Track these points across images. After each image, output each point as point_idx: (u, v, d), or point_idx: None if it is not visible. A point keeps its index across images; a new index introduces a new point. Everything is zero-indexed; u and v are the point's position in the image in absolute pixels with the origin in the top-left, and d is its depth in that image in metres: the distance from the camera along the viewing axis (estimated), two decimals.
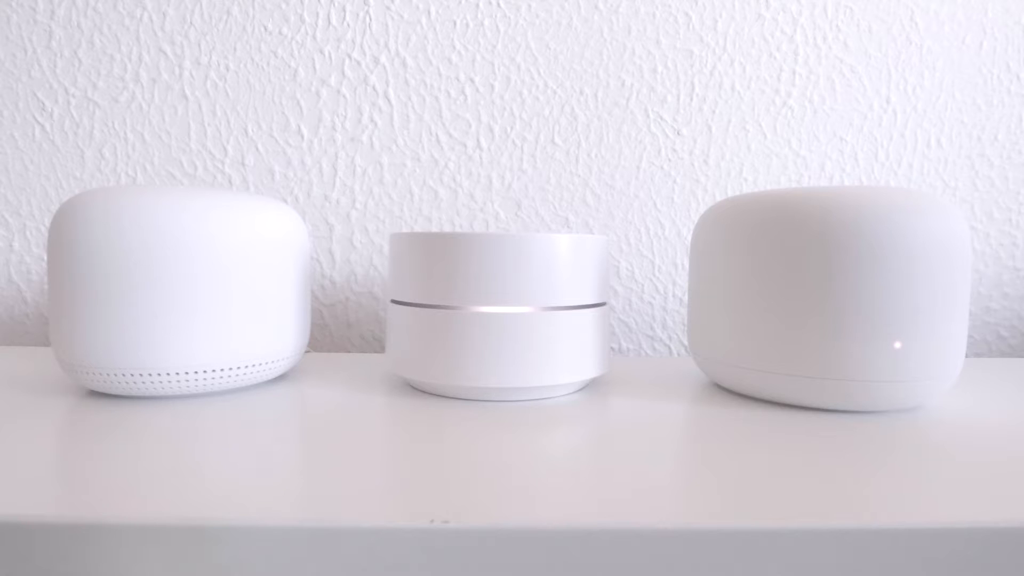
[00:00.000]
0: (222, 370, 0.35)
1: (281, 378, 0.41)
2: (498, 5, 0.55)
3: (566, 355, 0.36)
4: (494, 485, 0.24)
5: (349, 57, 0.55)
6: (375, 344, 0.57)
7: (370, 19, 0.55)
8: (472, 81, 0.56)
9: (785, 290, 0.34)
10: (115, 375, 0.33)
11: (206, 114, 0.55)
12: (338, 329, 0.57)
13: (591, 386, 0.40)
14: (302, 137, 0.56)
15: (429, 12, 0.55)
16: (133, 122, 0.55)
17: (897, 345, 0.32)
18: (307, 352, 0.50)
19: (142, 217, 0.33)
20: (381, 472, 0.26)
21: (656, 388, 0.39)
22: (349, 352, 0.57)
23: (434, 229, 0.56)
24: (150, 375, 0.33)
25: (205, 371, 0.34)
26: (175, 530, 0.20)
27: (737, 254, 0.36)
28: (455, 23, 0.56)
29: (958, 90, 0.57)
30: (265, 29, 0.55)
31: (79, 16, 0.55)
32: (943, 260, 0.32)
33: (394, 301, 0.38)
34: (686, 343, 0.58)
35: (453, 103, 0.56)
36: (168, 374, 0.33)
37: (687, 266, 0.57)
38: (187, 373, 0.34)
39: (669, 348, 0.58)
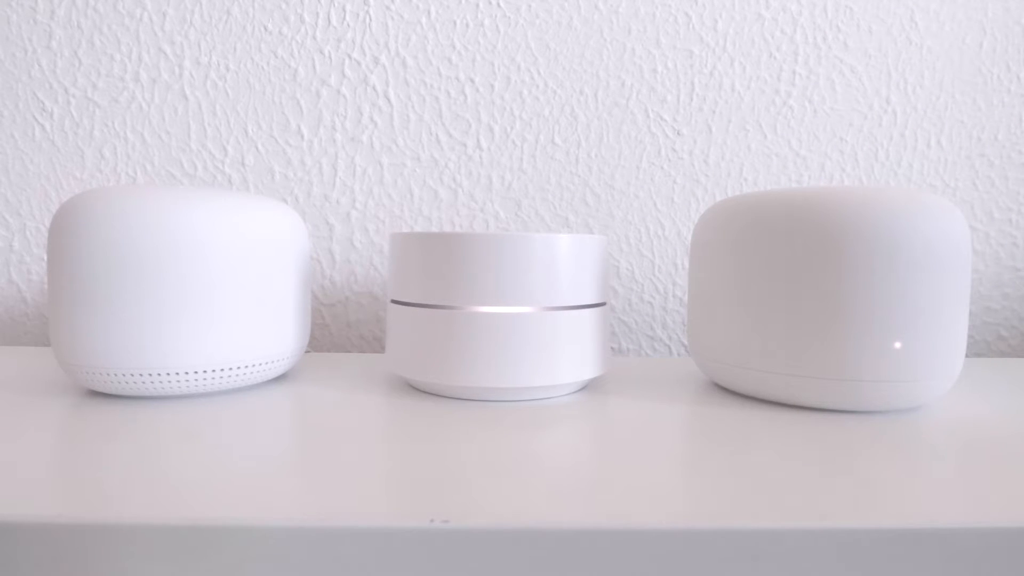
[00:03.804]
0: (222, 370, 0.35)
1: (281, 378, 0.41)
2: (498, 5, 0.55)
3: (566, 355, 0.36)
4: (494, 485, 0.24)
5: (349, 57, 0.55)
6: (375, 344, 0.57)
7: (370, 19, 0.55)
8: (472, 81, 0.56)
9: (785, 290, 0.34)
10: (115, 375, 0.33)
11: (206, 114, 0.55)
12: (338, 329, 0.57)
13: (591, 386, 0.40)
14: (302, 137, 0.56)
15: (429, 12, 0.55)
16: (133, 122, 0.55)
17: (897, 345, 0.32)
18: (307, 352, 0.50)
19: (142, 217, 0.33)
20: (381, 472, 0.26)
21: (656, 388, 0.39)
22: (349, 352, 0.57)
23: (434, 229, 0.56)
24: (150, 375, 0.33)
25: (205, 371, 0.34)
26: (175, 530, 0.20)
27: (737, 254, 0.36)
28: (455, 23, 0.56)
29: (958, 90, 0.57)
30: (265, 29, 0.55)
31: (79, 16, 0.55)
32: (943, 260, 0.32)
33: (394, 301, 0.38)
34: (686, 343, 0.58)
35: (453, 103, 0.56)
36: (168, 374, 0.33)
37: (687, 266, 0.57)
38: (187, 373, 0.34)
39: (669, 348, 0.58)
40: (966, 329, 0.34)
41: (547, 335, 0.35)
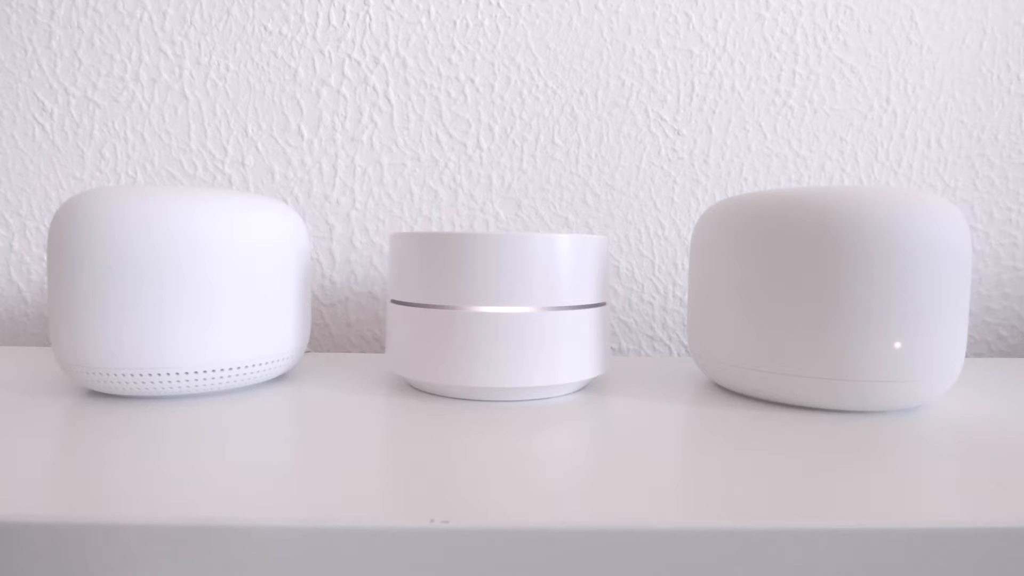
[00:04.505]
0: (222, 370, 0.35)
1: (281, 378, 0.41)
2: (498, 5, 0.55)
3: (566, 355, 0.36)
4: (494, 485, 0.24)
5: (349, 57, 0.55)
6: (375, 344, 0.57)
7: (370, 19, 0.55)
8: (472, 81, 0.56)
9: (785, 290, 0.34)
10: (115, 375, 0.33)
11: (206, 114, 0.55)
12: (338, 329, 0.57)
13: (591, 386, 0.40)
14: (302, 137, 0.56)
15: (429, 12, 0.55)
16: (133, 122, 0.55)
17: (897, 345, 0.32)
18: (307, 352, 0.50)
19: (142, 217, 0.33)
20: (381, 472, 0.26)
21: (656, 388, 0.39)
22: (349, 352, 0.57)
23: (434, 229, 0.56)
24: (149, 375, 0.33)
25: (205, 371, 0.34)
26: (175, 530, 0.20)
27: (737, 254, 0.36)
28: (455, 23, 0.56)
29: (958, 90, 0.57)
30: (265, 29, 0.55)
31: (79, 16, 0.55)
32: (943, 260, 0.32)
33: (394, 301, 0.38)
34: (686, 343, 0.58)
35: (453, 103, 0.56)
36: (168, 374, 0.33)
37: (687, 266, 0.57)
38: (187, 373, 0.34)
39: (669, 348, 0.58)
40: (966, 329, 0.34)
41: (547, 335, 0.35)
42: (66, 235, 0.33)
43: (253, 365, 0.36)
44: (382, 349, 0.57)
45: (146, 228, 0.33)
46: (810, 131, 0.57)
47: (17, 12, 0.55)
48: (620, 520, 0.21)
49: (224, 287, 0.34)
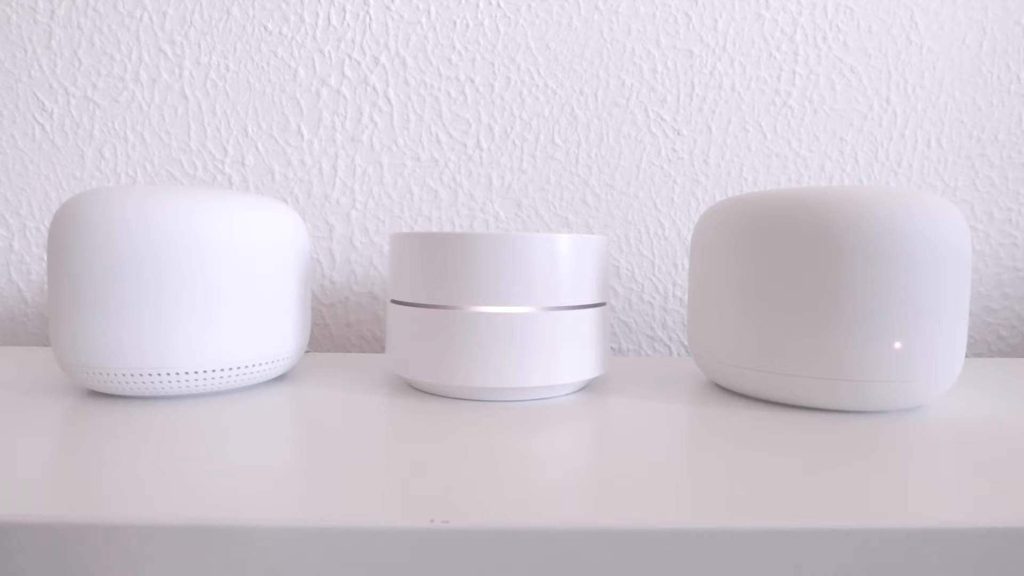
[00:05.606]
0: (222, 370, 0.35)
1: (281, 378, 0.41)
2: (498, 5, 0.55)
3: (566, 355, 0.36)
4: (494, 485, 0.24)
5: (349, 57, 0.55)
6: (375, 344, 0.57)
7: (370, 19, 0.55)
8: (472, 81, 0.56)
9: (785, 290, 0.34)
10: (115, 375, 0.33)
11: (206, 114, 0.55)
12: (338, 329, 0.57)
13: (591, 386, 0.40)
14: (302, 137, 0.56)
15: (429, 12, 0.55)
16: (133, 122, 0.55)
17: (897, 345, 0.32)
18: (307, 352, 0.50)
19: (142, 217, 0.33)
20: (381, 472, 0.26)
21: (656, 388, 0.39)
22: (349, 352, 0.57)
23: (434, 229, 0.56)
24: (150, 375, 0.33)
25: (205, 371, 0.34)
26: (175, 530, 0.20)
27: (737, 254, 0.36)
28: (455, 23, 0.56)
29: (958, 90, 0.57)
30: (265, 29, 0.55)
31: (79, 16, 0.55)
32: (943, 260, 0.32)
33: (394, 301, 0.38)
34: (686, 343, 0.58)
35: (453, 103, 0.56)
36: (168, 374, 0.33)
37: (687, 266, 0.57)
38: (187, 373, 0.34)
39: (669, 348, 0.58)
40: (966, 329, 0.34)
41: (547, 335, 0.35)
42: (66, 235, 0.33)
43: (253, 365, 0.36)
44: (382, 349, 0.57)
45: (146, 228, 0.33)
46: (810, 131, 0.57)
47: (17, 12, 0.55)
48: (620, 520, 0.21)
49: (224, 287, 0.34)
